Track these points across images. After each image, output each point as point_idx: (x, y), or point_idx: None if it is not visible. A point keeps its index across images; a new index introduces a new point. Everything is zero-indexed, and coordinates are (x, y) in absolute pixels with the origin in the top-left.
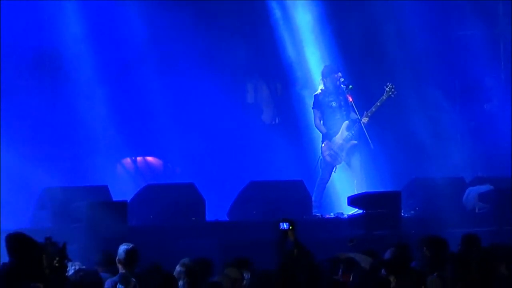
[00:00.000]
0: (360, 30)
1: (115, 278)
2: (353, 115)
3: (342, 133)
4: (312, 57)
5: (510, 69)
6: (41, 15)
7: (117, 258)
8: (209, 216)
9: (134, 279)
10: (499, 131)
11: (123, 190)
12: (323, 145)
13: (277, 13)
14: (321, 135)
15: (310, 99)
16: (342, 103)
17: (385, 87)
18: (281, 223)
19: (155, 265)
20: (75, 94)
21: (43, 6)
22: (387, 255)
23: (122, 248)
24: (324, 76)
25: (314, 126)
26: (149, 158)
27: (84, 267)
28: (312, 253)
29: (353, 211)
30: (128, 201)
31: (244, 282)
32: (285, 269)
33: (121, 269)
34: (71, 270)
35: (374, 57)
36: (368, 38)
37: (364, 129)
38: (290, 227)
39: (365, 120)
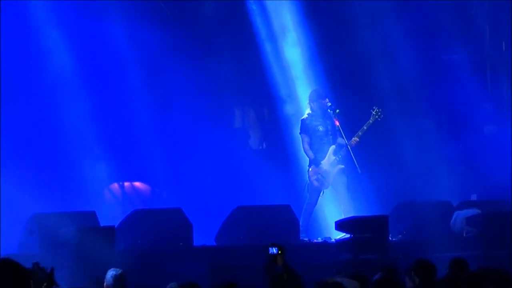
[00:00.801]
0: (347, 55)
1: None
2: (340, 140)
3: (329, 157)
4: (299, 82)
5: (497, 92)
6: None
7: (105, 284)
8: (196, 241)
9: None
10: (487, 155)
11: (111, 216)
12: (310, 169)
13: (267, 45)
14: (308, 159)
15: (297, 123)
16: (329, 127)
17: (371, 111)
18: (270, 248)
19: None
20: (63, 120)
21: (27, 29)
22: (375, 279)
23: (110, 273)
24: (311, 100)
25: (301, 150)
26: (137, 183)
27: None
28: (301, 277)
29: (340, 235)
30: (115, 226)
31: None
32: None
33: None
34: None
35: (360, 81)
36: (354, 63)
37: (351, 153)
38: (279, 252)
39: (354, 141)
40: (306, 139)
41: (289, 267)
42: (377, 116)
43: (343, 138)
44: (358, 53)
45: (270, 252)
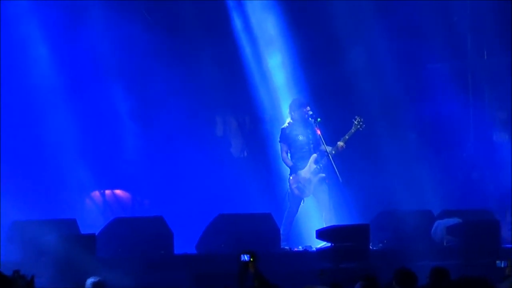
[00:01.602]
0: (330, 64)
1: None
2: (322, 148)
3: (310, 166)
4: (281, 89)
5: (478, 100)
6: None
7: None
8: (177, 249)
9: None
10: (467, 163)
11: (92, 223)
12: (291, 178)
13: (247, 49)
14: (288, 168)
15: (278, 132)
16: (310, 136)
17: (353, 120)
18: (242, 255)
19: None
20: (44, 127)
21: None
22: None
23: (90, 281)
24: (292, 109)
25: (281, 160)
26: (118, 191)
27: None
28: (275, 285)
29: (321, 244)
30: (96, 234)
31: None
32: None
33: None
34: None
35: (343, 90)
36: (337, 72)
37: (333, 162)
38: (251, 259)
39: (340, 145)
40: (285, 148)
41: (260, 274)
42: (359, 126)
43: (324, 147)
44: (341, 62)
45: (241, 260)
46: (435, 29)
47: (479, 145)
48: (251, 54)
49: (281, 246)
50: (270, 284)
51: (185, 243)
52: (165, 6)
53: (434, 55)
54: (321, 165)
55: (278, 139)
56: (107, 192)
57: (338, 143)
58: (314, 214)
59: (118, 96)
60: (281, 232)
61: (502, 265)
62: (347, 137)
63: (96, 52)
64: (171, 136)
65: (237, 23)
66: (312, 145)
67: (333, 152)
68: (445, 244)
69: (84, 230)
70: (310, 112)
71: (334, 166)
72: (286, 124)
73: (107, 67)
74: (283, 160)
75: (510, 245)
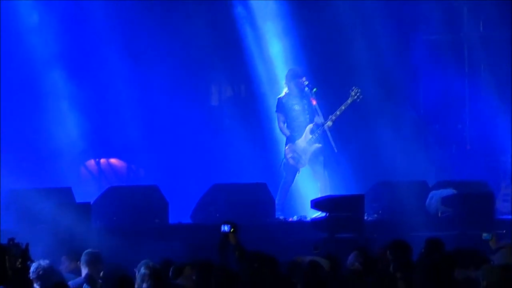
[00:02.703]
0: (326, 33)
1: (81, 279)
2: (317, 119)
3: (306, 136)
4: (277, 59)
5: (474, 73)
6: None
7: (81, 261)
8: (172, 219)
9: (100, 281)
10: (463, 135)
11: (87, 192)
12: (286, 148)
13: (244, 20)
14: (285, 138)
15: (274, 101)
16: (306, 106)
17: (350, 91)
18: (222, 225)
19: (116, 267)
20: (38, 96)
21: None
22: (350, 258)
23: (86, 252)
24: (288, 79)
25: (277, 129)
26: (113, 160)
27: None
28: (254, 255)
29: (316, 214)
30: (91, 203)
31: None
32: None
33: (85, 271)
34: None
35: (339, 60)
36: (333, 42)
37: (328, 133)
38: (232, 230)
39: (329, 123)
40: (282, 117)
41: (241, 245)
42: (355, 97)
43: (320, 117)
44: (338, 34)
45: (222, 230)
46: (431, 1)
47: (474, 117)
48: (248, 24)
49: (276, 216)
50: (250, 254)
51: (180, 213)
52: None
53: (429, 27)
54: (316, 135)
55: (275, 109)
56: (102, 160)
57: (330, 117)
58: (309, 184)
59: (113, 65)
60: (276, 202)
61: (488, 238)
62: (343, 107)
63: (96, 28)
64: (167, 106)
65: None
66: (307, 115)
67: (330, 122)
68: (439, 215)
69: (79, 199)
70: (306, 83)
71: (330, 136)
72: (282, 94)
73: (104, 40)
74: (280, 129)
75: (504, 216)
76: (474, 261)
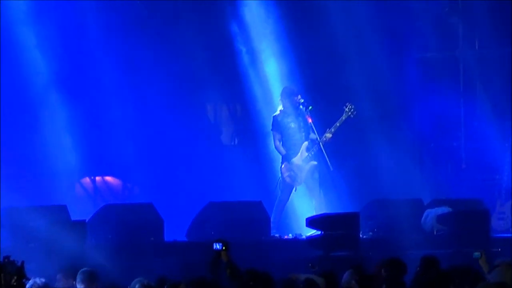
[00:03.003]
0: (321, 52)
1: None
2: (313, 136)
3: (302, 154)
4: (272, 77)
5: (469, 91)
6: None
7: (76, 280)
8: (167, 236)
9: None
10: (458, 153)
11: (82, 210)
12: (282, 166)
13: (239, 38)
14: (280, 156)
15: (269, 120)
16: (301, 124)
17: (344, 107)
18: (214, 244)
19: (111, 285)
20: (34, 113)
21: None
22: (345, 276)
23: (81, 270)
24: (283, 97)
25: (273, 147)
26: (108, 178)
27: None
28: (247, 273)
29: (311, 232)
30: (87, 220)
31: None
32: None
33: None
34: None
35: (334, 78)
36: (328, 59)
37: (323, 150)
38: (224, 248)
39: (327, 137)
40: (278, 136)
41: (232, 263)
42: (349, 113)
43: (315, 135)
44: (332, 50)
45: (214, 248)
46: (426, 19)
47: (470, 135)
48: (242, 42)
49: (271, 234)
50: (242, 272)
51: (175, 231)
52: None
53: (425, 45)
54: (312, 153)
55: (270, 128)
56: (98, 178)
57: (325, 135)
58: (304, 202)
59: (109, 83)
60: (271, 220)
61: (478, 256)
62: (338, 124)
63: (90, 43)
64: (162, 124)
65: (229, 10)
66: (303, 133)
67: (324, 140)
68: (435, 233)
69: (74, 217)
70: (302, 100)
71: (325, 154)
72: (277, 112)
73: (100, 57)
74: (276, 148)
75: (499, 234)
76: (469, 279)
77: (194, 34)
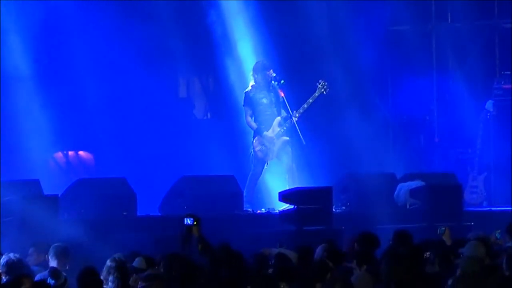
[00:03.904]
0: (294, 28)
1: (45, 272)
2: (284, 114)
3: (274, 129)
4: (245, 51)
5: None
6: None
7: (49, 255)
8: (140, 211)
9: (65, 274)
10: (431, 127)
11: (55, 184)
12: (254, 140)
13: (213, 12)
14: (253, 130)
15: (242, 94)
16: (273, 99)
17: (317, 83)
18: (185, 219)
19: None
20: (6, 88)
21: None
22: (318, 251)
23: (54, 245)
24: (255, 72)
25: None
26: (81, 152)
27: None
28: (217, 247)
29: (284, 206)
30: (59, 195)
31: None
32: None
33: (53, 264)
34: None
35: (306, 52)
36: (300, 34)
37: (296, 125)
38: (195, 223)
39: (297, 115)
40: (249, 111)
41: (204, 238)
42: (323, 89)
43: (288, 110)
44: (305, 27)
45: (185, 223)
46: None
47: (442, 109)
48: (216, 17)
49: (244, 208)
50: (213, 247)
51: (148, 205)
52: None
53: (397, 18)
54: (284, 128)
55: (242, 103)
56: (70, 153)
57: (297, 110)
58: (277, 177)
59: (81, 57)
60: (244, 194)
61: (442, 231)
62: (310, 100)
63: (64, 23)
64: (134, 97)
65: None
66: (275, 108)
67: (297, 115)
68: (408, 207)
69: (47, 191)
70: (274, 75)
71: (298, 129)
72: (249, 88)
73: (74, 34)
74: (247, 123)
75: (472, 208)
76: (441, 253)
77: (167, 7)
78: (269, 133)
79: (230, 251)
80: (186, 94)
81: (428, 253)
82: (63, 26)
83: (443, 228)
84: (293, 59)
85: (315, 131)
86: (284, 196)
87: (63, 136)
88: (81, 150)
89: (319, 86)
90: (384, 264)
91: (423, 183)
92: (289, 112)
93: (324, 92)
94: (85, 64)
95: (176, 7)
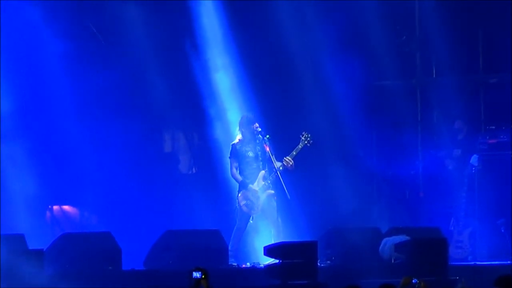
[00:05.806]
0: (278, 79)
1: None
2: (270, 165)
3: (259, 182)
4: (230, 108)
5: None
6: None
7: None
8: (125, 265)
9: None
10: (416, 181)
11: (40, 239)
12: (239, 194)
13: (196, 64)
14: (238, 184)
15: (227, 148)
16: (259, 153)
17: (300, 136)
18: (194, 272)
19: None
20: None
21: None
22: None
23: None
24: (242, 126)
25: (230, 175)
26: (66, 207)
27: None
28: None
29: (269, 260)
30: (44, 249)
31: None
32: None
33: None
34: None
35: (291, 105)
36: (286, 87)
37: (281, 179)
38: (203, 276)
39: (287, 162)
40: (235, 164)
41: None
42: (306, 142)
43: (273, 163)
44: (291, 80)
45: (193, 277)
46: (383, 47)
47: (427, 163)
48: (199, 69)
49: (229, 263)
50: None
51: (133, 259)
52: (113, 23)
53: (382, 73)
54: (269, 182)
55: (228, 155)
56: (55, 207)
57: (285, 158)
58: (262, 231)
59: (67, 108)
60: (229, 248)
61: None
62: (294, 153)
63: (49, 69)
64: (119, 152)
65: (187, 41)
66: (261, 162)
67: (281, 168)
68: (393, 261)
69: (32, 246)
70: (259, 129)
71: (283, 182)
72: (236, 140)
73: (60, 84)
74: (232, 175)
75: (457, 263)
76: None
77: (151, 60)
78: (254, 186)
79: None
80: (171, 149)
81: None
82: (46, 81)
83: (418, 281)
84: (278, 112)
85: (300, 185)
86: (269, 251)
87: (48, 191)
88: (66, 204)
89: (303, 138)
90: None
91: (408, 238)
92: (274, 166)
93: (308, 144)
94: (71, 117)
95: (163, 63)
